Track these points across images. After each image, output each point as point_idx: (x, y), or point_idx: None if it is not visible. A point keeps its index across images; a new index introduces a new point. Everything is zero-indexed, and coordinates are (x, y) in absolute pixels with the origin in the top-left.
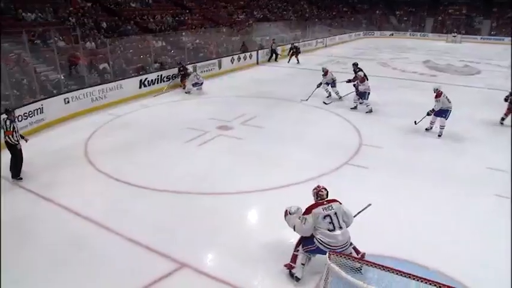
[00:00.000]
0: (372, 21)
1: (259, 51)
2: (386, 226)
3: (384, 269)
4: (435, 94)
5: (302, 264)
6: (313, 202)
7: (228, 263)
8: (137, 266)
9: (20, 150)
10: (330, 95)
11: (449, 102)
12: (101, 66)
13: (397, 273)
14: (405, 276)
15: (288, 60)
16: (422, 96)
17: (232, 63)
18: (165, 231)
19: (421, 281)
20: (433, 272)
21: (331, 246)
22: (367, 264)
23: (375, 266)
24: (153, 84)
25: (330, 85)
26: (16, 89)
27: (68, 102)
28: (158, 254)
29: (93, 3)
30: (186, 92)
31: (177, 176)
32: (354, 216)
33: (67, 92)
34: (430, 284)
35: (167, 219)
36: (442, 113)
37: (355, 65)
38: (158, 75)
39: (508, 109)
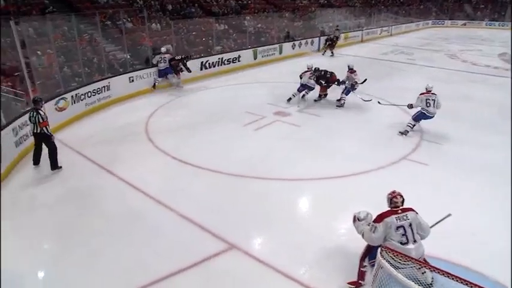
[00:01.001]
0: (443, 9)
1: (321, 37)
2: (445, 228)
3: (440, 273)
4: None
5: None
6: (386, 209)
7: (277, 249)
8: (189, 243)
9: (53, 141)
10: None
11: (434, 107)
12: (165, 48)
13: (452, 278)
14: (461, 282)
15: (322, 52)
16: (494, 92)
17: (293, 49)
18: (218, 212)
19: None
20: (492, 282)
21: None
22: (421, 266)
23: (430, 269)
24: (214, 66)
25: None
26: (87, 67)
27: (132, 81)
28: (209, 233)
29: None
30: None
31: (233, 158)
32: (431, 227)
33: (132, 71)
34: None
35: (221, 201)
36: (423, 117)
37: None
38: (219, 58)
39: None
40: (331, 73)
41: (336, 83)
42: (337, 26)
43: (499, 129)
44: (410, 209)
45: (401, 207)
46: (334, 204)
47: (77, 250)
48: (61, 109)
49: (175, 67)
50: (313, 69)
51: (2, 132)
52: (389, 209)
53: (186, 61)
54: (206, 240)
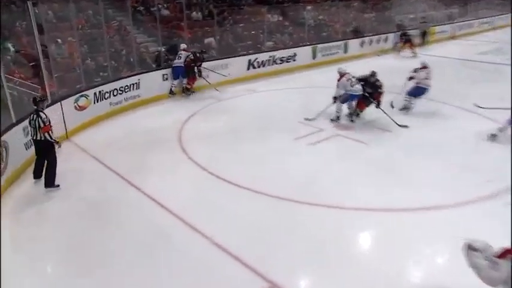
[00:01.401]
0: None
1: (398, 33)
2: None
3: None
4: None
5: None
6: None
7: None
8: (219, 274)
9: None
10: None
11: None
12: (206, 41)
13: None
14: None
15: (398, 51)
16: None
17: (362, 46)
18: (258, 242)
19: None
20: None
21: None
22: None
23: None
24: (264, 66)
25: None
26: (114, 60)
27: (166, 78)
28: (245, 266)
29: None
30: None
31: (280, 178)
32: None
33: (167, 68)
34: None
35: (263, 228)
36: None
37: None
38: (270, 56)
39: None
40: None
41: (375, 104)
42: (424, 17)
43: None
44: None
45: None
46: (404, 243)
47: (92, 272)
48: (81, 108)
49: (188, 69)
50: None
51: (11, 131)
52: None
53: (200, 62)
54: (241, 274)
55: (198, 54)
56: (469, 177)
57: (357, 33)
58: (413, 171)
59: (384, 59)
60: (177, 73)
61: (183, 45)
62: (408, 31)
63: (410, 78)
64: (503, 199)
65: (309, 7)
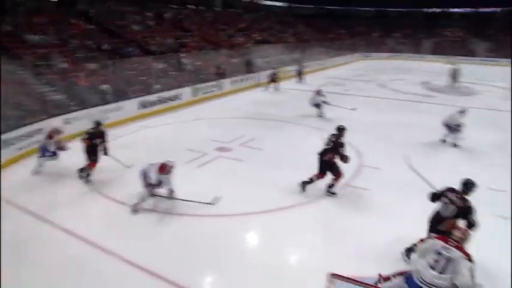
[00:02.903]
0: (370, 43)
1: (260, 72)
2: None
3: None
4: None
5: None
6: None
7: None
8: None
9: None
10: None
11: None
12: (102, 87)
13: None
14: None
15: (267, 87)
16: (419, 117)
17: (233, 84)
18: (166, 254)
19: None
20: None
21: (420, 277)
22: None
23: None
24: (154, 105)
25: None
26: (18, 110)
27: (69, 122)
28: (158, 277)
29: (95, 25)
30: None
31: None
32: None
33: (68, 113)
34: None
35: (168, 242)
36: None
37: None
38: (159, 97)
39: None
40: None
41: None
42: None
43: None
44: (464, 252)
45: (456, 244)
46: (283, 236)
47: None
48: None
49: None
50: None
51: None
52: (446, 237)
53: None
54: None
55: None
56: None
57: (220, 75)
58: (279, 180)
59: (255, 93)
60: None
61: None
62: (276, 71)
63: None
64: (351, 187)
65: (183, 54)
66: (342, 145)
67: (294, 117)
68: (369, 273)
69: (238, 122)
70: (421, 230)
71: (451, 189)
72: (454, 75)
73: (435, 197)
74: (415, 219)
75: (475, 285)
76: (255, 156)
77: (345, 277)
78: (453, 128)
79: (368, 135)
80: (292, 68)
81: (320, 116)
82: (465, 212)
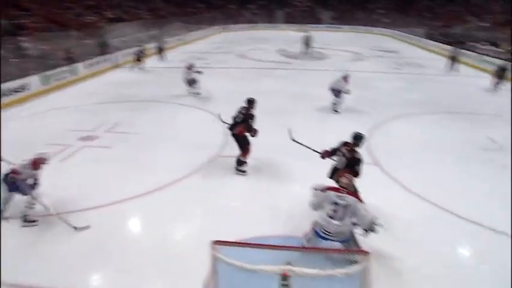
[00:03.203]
0: (227, 15)
1: (118, 52)
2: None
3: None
4: None
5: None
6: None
7: (119, 279)
8: None
9: None
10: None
11: None
12: None
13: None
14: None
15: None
16: (279, 83)
17: (88, 68)
18: (49, 262)
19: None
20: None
21: (323, 230)
22: (250, 246)
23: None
24: None
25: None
26: None
27: None
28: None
29: None
30: None
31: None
32: (373, 223)
33: None
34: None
35: (47, 248)
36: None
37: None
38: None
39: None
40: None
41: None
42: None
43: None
44: (356, 196)
45: (347, 190)
46: (162, 217)
47: None
48: None
49: None
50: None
51: None
52: (336, 186)
53: None
54: None
55: None
56: (199, 152)
57: (71, 60)
58: (153, 161)
59: (114, 75)
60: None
61: None
62: (142, 49)
63: None
64: (223, 157)
65: (24, 38)
66: (251, 117)
67: (159, 95)
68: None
69: (99, 108)
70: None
71: (345, 143)
72: (307, 42)
73: (332, 152)
74: (302, 178)
75: (374, 221)
76: (124, 140)
77: (228, 242)
78: (337, 92)
79: (233, 105)
80: (152, 46)
81: (194, 93)
82: (353, 162)
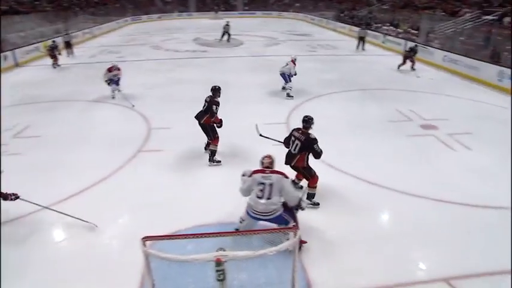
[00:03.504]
0: (138, 5)
1: (17, 50)
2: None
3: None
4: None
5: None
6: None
7: None
8: None
9: None
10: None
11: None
12: None
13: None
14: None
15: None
16: (200, 72)
17: None
18: None
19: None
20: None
21: (253, 210)
22: (180, 238)
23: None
24: None
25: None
26: None
27: None
28: None
29: None
30: None
31: None
32: (301, 200)
33: None
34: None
35: None
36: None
37: None
38: None
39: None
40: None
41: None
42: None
43: None
44: (279, 173)
45: (270, 169)
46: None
47: None
48: None
49: None
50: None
51: None
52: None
53: None
54: None
55: None
56: (121, 151)
57: None
58: (69, 164)
59: (15, 75)
60: None
61: None
62: (55, 45)
63: None
64: (144, 152)
65: None
66: (216, 105)
67: (71, 94)
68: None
69: (5, 112)
70: None
71: (296, 129)
72: (228, 30)
73: (286, 140)
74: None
75: (299, 193)
76: (36, 145)
77: (157, 236)
78: (287, 76)
79: (150, 99)
80: (58, 40)
81: (115, 93)
82: (309, 144)
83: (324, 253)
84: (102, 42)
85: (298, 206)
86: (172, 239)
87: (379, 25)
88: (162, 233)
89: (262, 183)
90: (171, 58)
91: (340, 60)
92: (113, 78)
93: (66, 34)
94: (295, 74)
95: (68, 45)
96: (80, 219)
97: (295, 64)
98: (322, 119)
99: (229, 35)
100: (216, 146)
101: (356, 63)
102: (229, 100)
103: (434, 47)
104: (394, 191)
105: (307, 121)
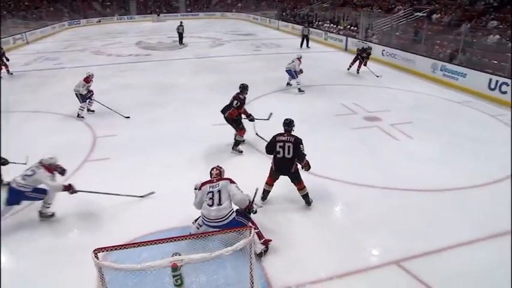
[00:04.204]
0: (75, 9)
1: None
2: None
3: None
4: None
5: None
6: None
7: None
8: None
9: None
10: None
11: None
12: None
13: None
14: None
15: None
16: (145, 76)
17: None
18: None
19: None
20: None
21: (206, 218)
22: (134, 246)
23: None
24: None
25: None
26: None
27: None
28: None
29: None
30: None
31: None
32: (252, 203)
33: None
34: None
35: None
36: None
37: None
38: None
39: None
40: None
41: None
42: None
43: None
44: (226, 179)
45: (217, 178)
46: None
47: None
48: None
49: None
50: None
51: None
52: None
53: None
54: None
55: None
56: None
57: None
58: None
59: None
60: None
61: None
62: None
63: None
64: (90, 161)
65: None
66: (238, 99)
67: (5, 104)
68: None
69: None
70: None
71: (278, 134)
72: (180, 30)
73: (269, 147)
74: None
75: (247, 196)
76: None
77: (109, 247)
78: (293, 73)
79: (93, 106)
80: None
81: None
82: (298, 145)
83: (280, 250)
84: (37, 49)
85: (250, 209)
86: (125, 248)
87: (321, 23)
88: (116, 243)
89: (211, 192)
90: (114, 63)
91: (285, 58)
92: (90, 91)
93: None
94: (301, 72)
95: None
96: (136, 196)
97: (300, 62)
98: (272, 117)
99: (182, 37)
100: (242, 136)
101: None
102: (176, 101)
103: (373, 42)
104: (344, 183)
105: (289, 124)
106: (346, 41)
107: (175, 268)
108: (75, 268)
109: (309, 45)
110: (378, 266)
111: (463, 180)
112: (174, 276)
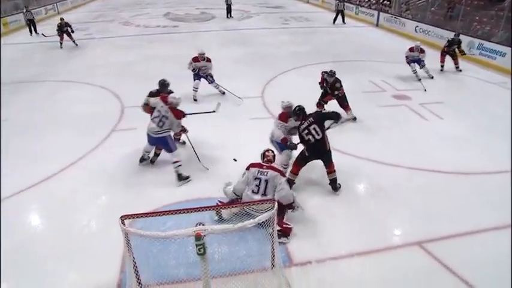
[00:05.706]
0: None
1: None
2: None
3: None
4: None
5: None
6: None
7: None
8: None
9: None
10: None
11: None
12: None
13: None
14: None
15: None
16: (173, 48)
17: None
18: None
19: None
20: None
21: None
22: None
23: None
24: None
25: None
26: None
27: None
28: None
29: None
30: None
31: None
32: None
33: None
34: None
35: None
36: None
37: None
38: None
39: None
40: None
41: None
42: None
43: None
44: (277, 171)
45: (268, 165)
46: (58, 206)
47: None
48: None
49: None
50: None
51: None
52: (260, 162)
53: None
54: None
55: None
56: (92, 130)
57: None
58: (39, 149)
59: None
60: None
61: None
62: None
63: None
64: (117, 131)
65: None
66: (336, 88)
67: (36, 75)
68: None
69: None
70: None
71: (299, 124)
72: (229, 3)
73: (301, 140)
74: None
75: (292, 192)
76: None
77: (136, 215)
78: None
79: (122, 76)
80: (19, 18)
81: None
82: (320, 117)
83: (302, 225)
84: (69, 19)
85: (291, 206)
86: (151, 216)
87: None
88: (141, 211)
89: (258, 178)
90: (142, 34)
91: (314, 32)
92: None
93: (27, 11)
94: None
95: (31, 23)
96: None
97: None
98: (292, 93)
99: (231, 10)
100: (348, 112)
101: (330, 35)
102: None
103: (406, 18)
104: (369, 161)
105: (300, 110)
106: (378, 15)
107: (199, 237)
108: (101, 234)
109: (345, 20)
110: (399, 246)
111: (493, 165)
112: (197, 246)
